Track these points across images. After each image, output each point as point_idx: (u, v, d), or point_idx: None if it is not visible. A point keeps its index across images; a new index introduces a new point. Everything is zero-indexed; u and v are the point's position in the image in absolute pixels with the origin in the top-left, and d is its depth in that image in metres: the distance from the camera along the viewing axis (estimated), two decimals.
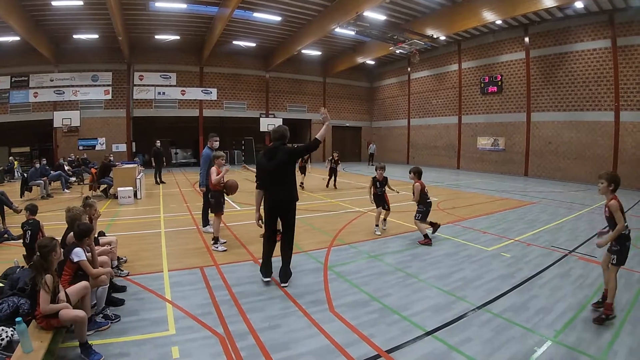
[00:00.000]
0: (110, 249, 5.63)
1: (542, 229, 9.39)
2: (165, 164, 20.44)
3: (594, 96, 19.75)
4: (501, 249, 7.56)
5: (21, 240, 6.30)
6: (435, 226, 8.22)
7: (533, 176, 22.46)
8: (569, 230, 9.29)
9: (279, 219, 5.76)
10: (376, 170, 8.92)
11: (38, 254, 3.77)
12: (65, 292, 3.91)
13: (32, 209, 6.36)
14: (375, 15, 20.37)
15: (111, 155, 18.22)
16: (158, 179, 18.52)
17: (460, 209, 11.81)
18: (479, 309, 4.81)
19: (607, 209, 4.71)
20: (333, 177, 16.88)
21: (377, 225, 8.98)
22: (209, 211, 7.41)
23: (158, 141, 19.86)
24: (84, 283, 4.06)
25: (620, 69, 18.49)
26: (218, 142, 8.99)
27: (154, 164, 18.87)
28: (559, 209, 12.24)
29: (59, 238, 4.34)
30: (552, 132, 21.72)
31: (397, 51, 22.01)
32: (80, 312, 3.73)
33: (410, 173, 8.07)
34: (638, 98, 17.94)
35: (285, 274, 5.59)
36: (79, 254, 4.38)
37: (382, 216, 9.07)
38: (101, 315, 4.37)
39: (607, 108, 19.15)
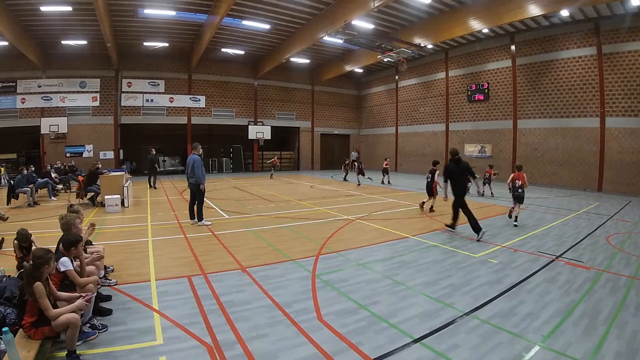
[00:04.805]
0: (99, 257, 5.57)
1: (529, 234, 9.49)
2: (157, 169, 20.61)
3: (579, 103, 20.07)
4: (488, 255, 7.61)
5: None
6: None
7: None
8: (556, 235, 9.40)
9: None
10: (519, 169, 10.93)
11: (31, 262, 3.75)
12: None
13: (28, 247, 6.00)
14: (363, 24, 20.52)
15: (99, 162, 18.07)
16: (152, 184, 19.58)
17: (448, 216, 11.84)
18: (466, 316, 4.83)
19: None
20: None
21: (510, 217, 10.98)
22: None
23: (153, 149, 20.79)
24: (75, 317, 3.77)
25: (606, 75, 18.84)
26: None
27: (153, 170, 19.77)
28: (545, 214, 12.38)
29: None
30: (539, 139, 21.99)
31: (385, 59, 22.17)
32: (74, 315, 3.70)
33: None
34: (623, 104, 18.28)
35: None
36: (65, 264, 4.35)
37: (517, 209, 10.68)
38: (88, 325, 4.30)
39: (593, 114, 19.47)
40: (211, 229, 9.85)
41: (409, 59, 23.88)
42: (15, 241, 5.84)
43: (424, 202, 12.72)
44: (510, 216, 11.06)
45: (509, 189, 11.09)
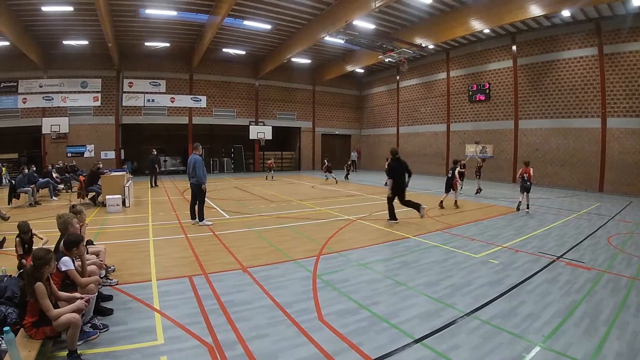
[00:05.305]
0: (101, 261, 5.57)
1: (530, 235, 9.47)
2: (158, 169, 20.79)
3: (580, 103, 20.05)
4: (489, 255, 7.60)
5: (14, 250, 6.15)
6: None
7: None
8: (557, 236, 9.38)
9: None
10: (527, 165, 12.64)
11: (32, 263, 3.76)
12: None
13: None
14: (364, 24, 20.53)
15: (100, 162, 18.05)
16: (153, 183, 20.24)
17: (449, 216, 11.87)
18: (467, 316, 4.83)
19: None
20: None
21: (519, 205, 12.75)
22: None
23: (154, 149, 21.15)
24: (76, 317, 3.79)
25: (607, 76, 18.82)
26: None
27: (154, 170, 20.38)
28: (546, 215, 12.36)
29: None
30: (540, 139, 21.98)
31: (386, 60, 22.14)
32: (75, 315, 3.71)
33: None
34: (624, 105, 18.26)
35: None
36: (66, 263, 4.35)
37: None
38: (89, 324, 4.30)
39: (594, 115, 19.45)
40: (212, 229, 9.85)
41: (410, 59, 23.89)
42: (18, 238, 5.85)
43: (441, 201, 13.70)
44: (518, 209, 12.70)
45: (518, 179, 12.85)
